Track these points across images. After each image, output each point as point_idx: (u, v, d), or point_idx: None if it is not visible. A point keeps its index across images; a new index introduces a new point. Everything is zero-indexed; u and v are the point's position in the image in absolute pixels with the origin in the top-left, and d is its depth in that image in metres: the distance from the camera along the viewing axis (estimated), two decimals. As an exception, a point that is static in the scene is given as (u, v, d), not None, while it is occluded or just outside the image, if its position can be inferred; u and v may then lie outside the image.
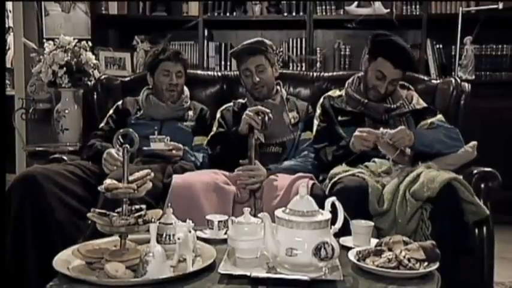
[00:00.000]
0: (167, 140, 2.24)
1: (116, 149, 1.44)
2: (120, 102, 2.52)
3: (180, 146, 2.27)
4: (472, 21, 3.52)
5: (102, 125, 2.46)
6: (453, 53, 3.63)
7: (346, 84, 2.35)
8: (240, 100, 2.51)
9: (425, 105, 2.29)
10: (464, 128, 2.35)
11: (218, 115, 2.49)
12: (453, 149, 2.12)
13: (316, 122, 2.36)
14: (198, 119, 2.50)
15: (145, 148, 2.20)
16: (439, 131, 2.15)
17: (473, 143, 2.17)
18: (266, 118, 2.16)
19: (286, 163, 2.28)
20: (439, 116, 2.24)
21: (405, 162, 2.08)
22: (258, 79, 2.34)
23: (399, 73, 2.19)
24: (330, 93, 2.42)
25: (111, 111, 2.51)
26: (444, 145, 2.09)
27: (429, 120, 2.21)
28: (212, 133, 2.43)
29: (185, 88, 2.55)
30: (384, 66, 2.17)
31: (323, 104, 2.38)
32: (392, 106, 2.24)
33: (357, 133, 2.05)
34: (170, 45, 3.79)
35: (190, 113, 2.50)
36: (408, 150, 2.08)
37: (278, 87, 2.48)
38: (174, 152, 2.24)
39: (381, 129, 2.03)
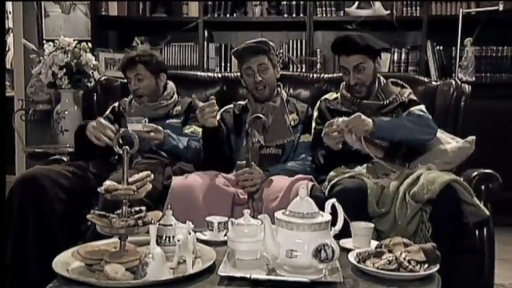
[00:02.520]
0: (145, 121, 2.17)
1: (117, 150, 1.44)
2: (116, 104, 2.53)
3: (160, 128, 2.20)
4: (473, 22, 3.52)
5: None
6: (453, 55, 3.63)
7: (341, 86, 2.36)
8: (241, 102, 2.51)
9: (413, 98, 2.27)
10: (465, 130, 2.35)
11: (218, 117, 2.48)
12: (422, 135, 2.11)
13: (314, 125, 2.36)
14: (186, 111, 2.47)
15: (121, 130, 2.18)
16: (403, 117, 2.16)
17: (472, 137, 2.17)
18: (266, 121, 2.16)
19: (285, 165, 2.29)
20: (419, 106, 2.22)
21: (381, 155, 2.08)
22: (260, 78, 2.33)
23: (356, 58, 2.19)
24: (326, 96, 2.42)
25: (107, 112, 2.51)
26: (408, 131, 2.08)
27: (409, 110, 2.20)
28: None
29: (170, 85, 2.52)
30: (342, 61, 2.23)
31: (319, 107, 2.39)
32: (384, 102, 2.24)
33: (323, 133, 2.06)
34: (170, 46, 3.80)
35: (178, 108, 2.48)
36: (380, 142, 2.08)
37: (279, 88, 2.48)
38: (152, 134, 2.16)
39: (337, 118, 2.04)
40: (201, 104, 2.16)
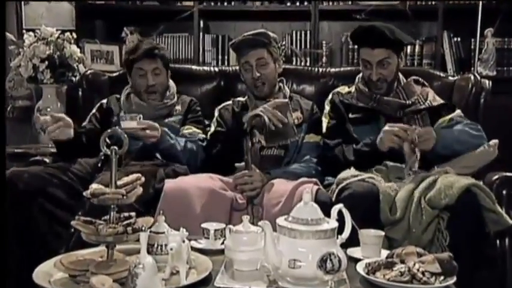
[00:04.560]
0: (140, 118, 2.17)
1: (104, 151, 1.44)
2: (104, 101, 2.53)
3: (156, 125, 2.21)
4: (494, 11, 3.52)
5: (84, 123, 2.47)
6: (472, 47, 3.62)
7: (357, 79, 2.38)
8: (240, 98, 2.52)
9: (442, 101, 2.30)
10: (484, 129, 2.35)
11: (216, 113, 2.50)
12: (475, 148, 2.13)
13: (325, 120, 2.37)
14: (186, 111, 2.49)
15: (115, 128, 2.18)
16: (460, 130, 2.16)
17: (495, 141, 2.17)
18: (267, 119, 2.17)
19: (288, 167, 2.29)
20: (458, 112, 2.26)
21: (414, 166, 2.09)
22: (258, 74, 2.34)
23: (381, 52, 2.20)
24: (338, 89, 2.44)
25: (94, 110, 2.52)
26: (466, 145, 2.11)
27: (448, 117, 2.23)
28: (210, 132, 2.43)
29: (171, 83, 2.54)
30: (365, 53, 2.24)
31: (332, 100, 2.39)
32: (407, 102, 2.26)
33: (387, 128, 2.07)
34: (162, 37, 3.80)
35: (178, 107, 2.50)
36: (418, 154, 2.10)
37: (281, 84, 2.49)
38: (148, 132, 2.17)
39: (414, 126, 2.06)
40: None
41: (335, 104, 2.37)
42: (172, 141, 2.27)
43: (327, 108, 2.40)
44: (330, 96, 2.42)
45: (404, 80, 2.35)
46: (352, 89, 2.39)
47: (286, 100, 2.38)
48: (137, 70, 2.42)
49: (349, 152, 2.21)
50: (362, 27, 2.26)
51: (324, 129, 2.37)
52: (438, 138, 2.05)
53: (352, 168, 2.09)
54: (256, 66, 2.35)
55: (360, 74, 2.38)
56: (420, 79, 2.39)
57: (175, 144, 2.27)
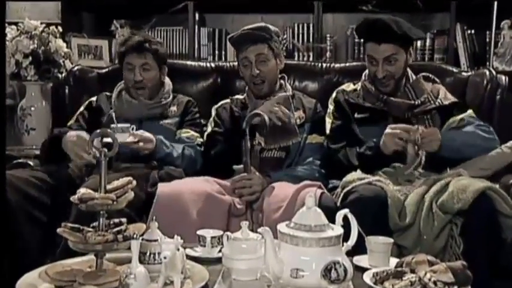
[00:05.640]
0: (133, 128, 2.18)
1: (93, 153, 1.44)
2: (94, 98, 2.54)
3: (151, 136, 2.22)
4: (510, 2, 3.52)
5: (70, 122, 2.48)
6: (487, 40, 3.63)
7: (363, 77, 2.37)
8: (239, 96, 2.52)
9: (453, 99, 2.30)
10: (500, 128, 2.35)
11: (213, 113, 2.50)
12: (487, 152, 2.13)
13: (329, 120, 2.37)
14: (183, 113, 2.50)
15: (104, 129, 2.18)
16: (470, 132, 2.16)
17: None
18: (267, 119, 2.17)
19: (290, 169, 2.29)
20: (470, 112, 2.26)
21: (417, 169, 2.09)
22: (257, 71, 2.35)
23: (388, 48, 2.20)
24: (343, 87, 2.44)
25: (82, 108, 2.52)
26: (476, 149, 2.11)
27: (458, 117, 2.23)
28: (207, 132, 2.44)
29: (167, 81, 2.55)
30: (370, 49, 2.24)
31: (337, 99, 2.39)
32: (416, 102, 2.26)
33: (388, 130, 2.07)
34: (154, 31, 3.80)
35: (173, 108, 2.51)
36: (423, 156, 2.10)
37: (282, 81, 2.49)
38: (141, 144, 2.18)
39: (417, 126, 2.07)
40: None
41: (339, 103, 2.37)
42: (168, 150, 2.28)
43: (331, 107, 2.40)
44: (334, 95, 2.42)
45: (414, 77, 2.35)
46: (358, 86, 2.38)
47: (288, 94, 2.38)
48: (126, 64, 2.44)
49: (352, 156, 2.22)
50: (367, 20, 2.26)
51: (327, 130, 2.36)
52: (445, 140, 2.05)
53: (358, 171, 2.10)
54: (256, 63, 2.35)
55: (366, 71, 2.38)
56: (430, 75, 2.39)
57: (172, 153, 2.29)
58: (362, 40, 2.38)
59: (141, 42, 2.43)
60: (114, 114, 2.29)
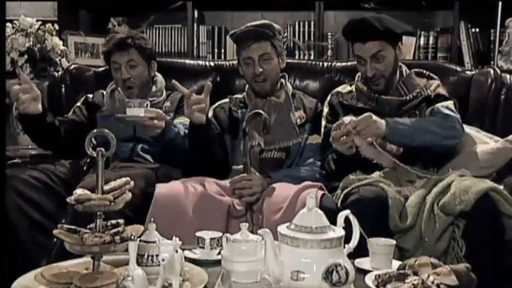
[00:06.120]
0: (147, 105, 2.17)
1: (89, 153, 1.45)
2: (90, 95, 2.54)
3: (163, 114, 2.21)
4: (515, 0, 3.52)
5: (68, 114, 2.49)
6: (492, 38, 3.63)
7: (356, 77, 2.38)
8: (238, 95, 2.52)
9: (441, 92, 2.28)
10: (505, 127, 2.36)
11: (210, 113, 2.49)
12: (446, 140, 2.12)
13: (323, 123, 2.37)
14: (177, 108, 2.49)
15: (119, 115, 2.16)
16: (425, 119, 2.16)
17: None
18: (267, 120, 2.18)
19: (290, 170, 2.29)
20: (447, 103, 2.23)
21: (390, 164, 2.09)
22: (260, 70, 2.34)
23: (373, 45, 2.20)
24: (339, 88, 2.44)
25: (79, 103, 2.53)
26: (430, 135, 2.08)
27: (434, 107, 2.21)
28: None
29: (159, 79, 2.54)
30: (357, 49, 2.24)
31: (330, 101, 2.40)
32: (407, 98, 2.25)
33: (331, 135, 2.07)
34: (153, 29, 3.80)
35: (167, 104, 2.50)
36: (394, 147, 2.10)
37: (283, 80, 2.49)
38: (156, 122, 2.15)
39: (343, 118, 2.05)
40: (185, 90, 2.14)
41: (333, 106, 2.38)
42: (176, 129, 2.25)
43: (325, 110, 2.40)
44: (328, 98, 2.43)
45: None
46: (353, 87, 2.39)
47: (280, 100, 2.38)
48: (113, 64, 2.43)
49: (331, 161, 2.23)
50: (352, 21, 2.27)
51: (321, 135, 2.37)
52: (391, 123, 2.02)
53: (358, 171, 2.10)
54: (259, 61, 2.35)
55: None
56: (424, 71, 2.38)
57: (180, 132, 2.25)
58: (349, 42, 2.36)
59: (123, 39, 2.41)
60: (126, 101, 2.26)
